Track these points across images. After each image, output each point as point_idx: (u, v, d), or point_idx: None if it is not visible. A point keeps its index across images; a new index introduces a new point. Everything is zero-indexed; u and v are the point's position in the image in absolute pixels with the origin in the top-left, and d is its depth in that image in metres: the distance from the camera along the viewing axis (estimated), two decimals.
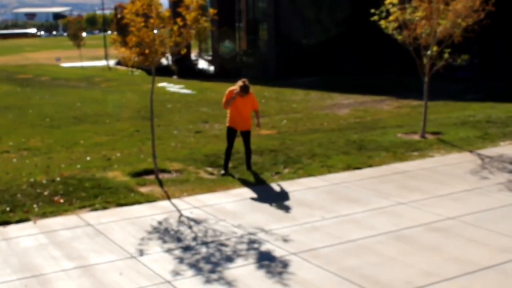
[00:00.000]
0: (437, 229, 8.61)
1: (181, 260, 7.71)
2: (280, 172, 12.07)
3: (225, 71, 42.27)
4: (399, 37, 14.75)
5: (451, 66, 15.59)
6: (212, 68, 48.02)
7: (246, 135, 12.36)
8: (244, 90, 11.87)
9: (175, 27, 11.20)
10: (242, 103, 12.09)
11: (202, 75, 45.24)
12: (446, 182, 11.04)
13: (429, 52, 14.64)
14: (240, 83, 11.98)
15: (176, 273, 7.30)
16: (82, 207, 9.94)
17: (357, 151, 13.66)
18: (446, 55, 14.59)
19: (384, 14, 14.58)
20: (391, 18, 14.51)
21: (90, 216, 9.52)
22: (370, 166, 12.33)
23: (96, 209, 9.85)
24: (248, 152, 12.41)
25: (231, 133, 12.32)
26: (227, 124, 12.36)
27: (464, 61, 15.45)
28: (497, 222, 8.82)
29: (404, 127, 16.81)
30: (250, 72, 41.00)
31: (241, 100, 12.05)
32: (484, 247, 7.91)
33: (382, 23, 14.66)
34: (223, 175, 11.96)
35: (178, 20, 11.17)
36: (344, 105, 23.98)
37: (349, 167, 12.20)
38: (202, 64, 50.88)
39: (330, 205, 9.84)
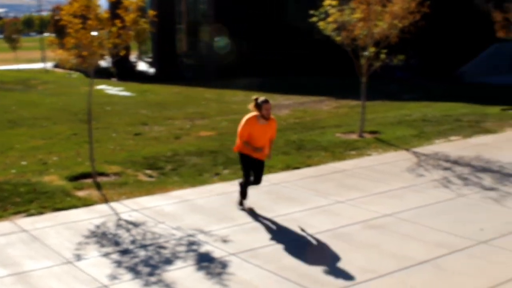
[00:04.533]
0: (374, 226, 8.75)
1: (119, 263, 7.60)
2: (219, 173, 12.04)
3: (165, 73, 41.98)
4: (338, 38, 14.94)
5: (389, 66, 15.90)
6: (152, 70, 47.63)
7: (260, 165, 9.67)
8: (263, 112, 9.32)
9: (114, 29, 11.07)
10: (260, 131, 9.42)
11: (142, 77, 44.76)
12: (383, 180, 11.23)
13: (366, 53, 14.88)
14: (257, 104, 9.35)
15: (113, 277, 7.19)
16: (16, 212, 9.68)
17: (296, 151, 13.76)
18: (383, 56, 14.87)
19: (323, 16, 14.75)
20: (330, 19, 14.70)
21: (25, 222, 9.27)
22: (309, 165, 12.44)
23: (31, 215, 9.60)
24: (256, 184, 9.82)
25: (247, 161, 9.61)
26: (239, 150, 9.71)
27: (400, 61, 15.79)
28: (432, 218, 9.02)
29: (343, 127, 17.03)
30: (190, 73, 40.91)
31: (259, 127, 9.41)
32: (420, 242, 8.08)
33: (321, 24, 14.83)
34: (242, 208, 9.78)
35: (117, 21, 11.03)
36: (284, 106, 24.10)
37: (288, 167, 12.27)
38: (142, 66, 50.41)
39: (269, 205, 9.87)
